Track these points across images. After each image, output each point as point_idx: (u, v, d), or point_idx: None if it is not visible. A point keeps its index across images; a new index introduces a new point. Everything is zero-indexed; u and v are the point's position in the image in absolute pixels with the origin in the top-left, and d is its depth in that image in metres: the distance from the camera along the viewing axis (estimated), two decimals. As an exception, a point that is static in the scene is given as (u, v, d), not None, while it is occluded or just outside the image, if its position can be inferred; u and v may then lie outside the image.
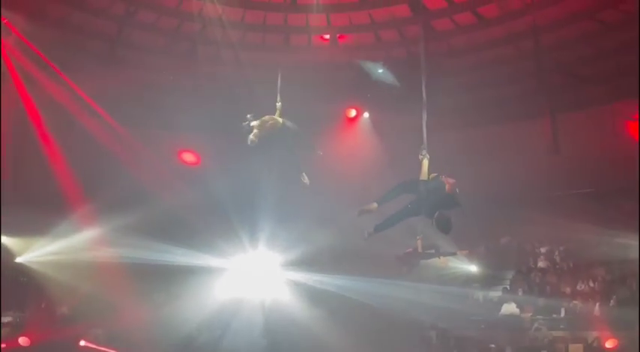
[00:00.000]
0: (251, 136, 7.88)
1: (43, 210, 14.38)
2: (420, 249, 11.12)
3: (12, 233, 15.65)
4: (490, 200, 17.36)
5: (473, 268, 18.44)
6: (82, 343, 15.38)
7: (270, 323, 16.83)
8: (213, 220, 15.53)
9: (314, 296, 16.58)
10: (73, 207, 15.37)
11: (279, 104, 8.88)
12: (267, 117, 8.43)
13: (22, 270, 15.71)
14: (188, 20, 16.43)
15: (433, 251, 11.91)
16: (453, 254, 13.07)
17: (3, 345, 14.88)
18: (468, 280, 18.58)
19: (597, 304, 16.17)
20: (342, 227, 16.28)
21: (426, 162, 6.85)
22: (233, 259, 17.28)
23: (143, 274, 15.32)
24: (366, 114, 18.38)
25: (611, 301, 16.17)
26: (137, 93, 17.03)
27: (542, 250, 18.88)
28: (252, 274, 17.84)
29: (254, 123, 8.23)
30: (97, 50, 17.07)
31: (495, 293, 18.72)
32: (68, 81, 15.37)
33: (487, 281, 18.91)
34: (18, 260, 15.79)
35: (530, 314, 17.30)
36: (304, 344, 15.96)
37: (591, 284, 16.95)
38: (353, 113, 18.04)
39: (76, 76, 15.39)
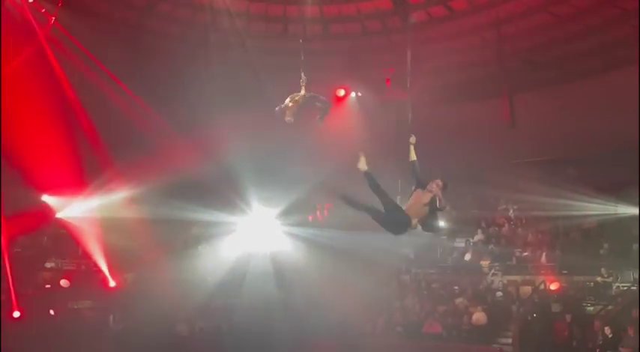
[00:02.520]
0: (287, 118, 7.39)
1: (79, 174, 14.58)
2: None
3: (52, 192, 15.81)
4: (456, 167, 17.63)
5: (441, 223, 18.82)
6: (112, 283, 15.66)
7: (278, 272, 17.23)
8: (227, 184, 15.64)
9: (309, 247, 16.90)
10: (104, 172, 15.50)
11: (303, 78, 8.01)
12: (293, 95, 7.79)
13: (62, 224, 15.89)
14: (200, 11, 16.40)
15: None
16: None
17: (47, 286, 15.28)
18: (436, 233, 18.96)
19: (544, 253, 16.69)
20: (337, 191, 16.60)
21: (412, 148, 6.60)
22: (244, 217, 17.53)
23: (167, 228, 15.46)
24: (353, 94, 18.49)
25: (556, 250, 16.68)
26: (157, 73, 17.00)
27: (500, 208, 19.30)
28: (260, 230, 18.20)
29: (285, 102, 7.64)
30: (122, 36, 17.00)
31: (460, 244, 19.22)
32: (97, 62, 15.33)
33: (453, 234, 19.38)
34: (58, 216, 16.00)
35: (488, 262, 17.81)
36: (303, 289, 16.44)
37: (539, 237, 17.42)
38: (342, 93, 18.11)
39: (104, 58, 15.37)
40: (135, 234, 15.13)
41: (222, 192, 15.79)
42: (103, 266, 15.51)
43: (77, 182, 14.69)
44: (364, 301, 16.27)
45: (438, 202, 6.13)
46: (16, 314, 13.19)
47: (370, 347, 14.75)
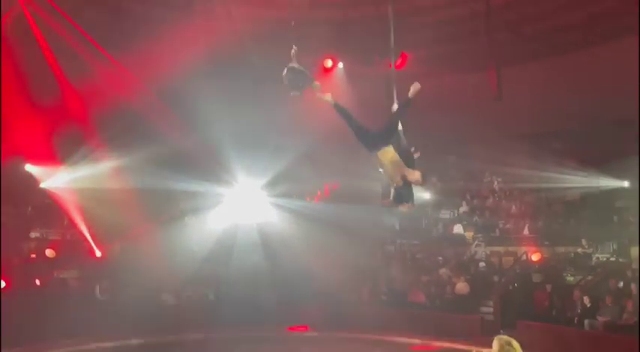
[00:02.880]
0: (293, 92, 6.65)
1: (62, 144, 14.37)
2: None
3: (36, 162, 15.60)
4: (443, 140, 17.66)
5: (426, 195, 18.97)
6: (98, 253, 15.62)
7: (265, 242, 17.29)
8: (211, 155, 15.51)
9: (294, 217, 16.96)
10: (88, 142, 15.27)
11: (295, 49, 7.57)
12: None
13: (47, 194, 15.72)
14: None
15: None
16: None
17: (33, 256, 15.19)
18: (422, 205, 19.15)
19: (527, 225, 16.92)
20: (321, 165, 16.59)
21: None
22: (231, 188, 17.48)
23: (153, 199, 15.35)
24: (340, 65, 18.29)
25: (539, 222, 16.92)
26: (141, 41, 16.62)
27: (485, 181, 19.46)
28: (246, 202, 18.17)
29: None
30: (105, 2, 16.51)
31: (444, 216, 19.40)
32: (79, 29, 14.91)
33: (438, 205, 19.54)
34: (42, 185, 15.82)
35: (472, 233, 18.05)
36: (290, 259, 16.55)
37: (523, 209, 17.64)
38: (329, 63, 17.90)
39: (86, 25, 14.96)
40: (121, 205, 14.98)
41: (207, 163, 15.64)
42: (89, 237, 15.40)
43: (55, 151, 14.39)
44: (350, 271, 16.47)
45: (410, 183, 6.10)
46: (2, 284, 13.10)
47: (355, 315, 14.96)
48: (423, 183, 6.22)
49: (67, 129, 14.70)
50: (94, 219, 15.34)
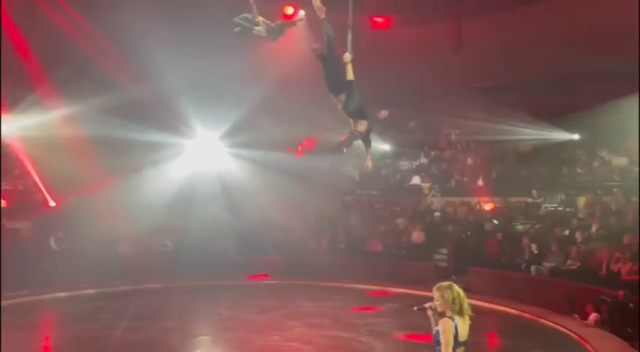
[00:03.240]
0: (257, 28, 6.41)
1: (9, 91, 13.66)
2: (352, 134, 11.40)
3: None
4: (401, 92, 17.64)
5: (386, 146, 19.13)
6: (52, 203, 15.24)
7: (226, 193, 17.15)
8: (168, 105, 15.03)
9: (254, 168, 16.85)
10: (37, 89, 14.56)
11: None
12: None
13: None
14: None
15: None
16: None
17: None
18: (381, 156, 19.32)
19: (481, 176, 17.32)
20: (279, 115, 16.37)
21: (348, 67, 6.31)
22: (189, 139, 17.12)
23: (109, 149, 14.92)
24: (301, 12, 17.83)
25: (492, 174, 17.34)
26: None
27: (442, 133, 19.70)
28: (206, 152, 17.89)
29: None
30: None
31: (403, 167, 19.67)
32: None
33: (396, 156, 19.75)
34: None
35: (428, 184, 18.39)
36: (250, 209, 16.55)
37: (478, 160, 18.01)
38: (290, 10, 17.41)
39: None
40: (75, 154, 14.52)
41: (163, 113, 15.18)
42: (42, 186, 14.95)
43: (1, 98, 13.65)
44: (310, 221, 16.64)
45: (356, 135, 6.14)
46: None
47: (315, 263, 15.22)
48: (367, 134, 6.25)
49: (14, 75, 13.95)
50: (46, 169, 14.82)
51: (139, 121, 14.84)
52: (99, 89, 13.97)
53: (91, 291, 13.14)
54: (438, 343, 4.46)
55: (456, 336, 4.39)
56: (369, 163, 6.45)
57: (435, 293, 4.48)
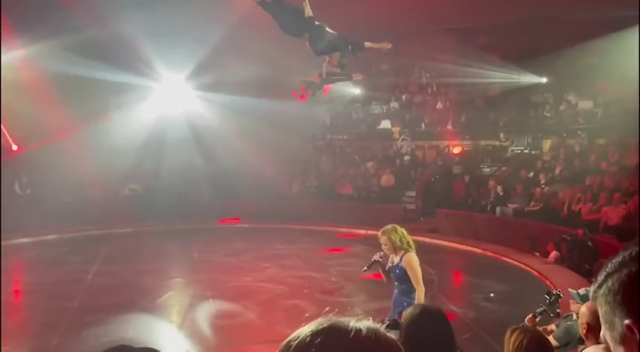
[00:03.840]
0: None
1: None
2: (324, 75, 11.18)
3: None
4: (371, 34, 17.27)
5: (356, 90, 18.93)
6: (15, 147, 14.76)
7: (196, 137, 16.81)
8: (133, 46, 14.34)
9: (225, 113, 16.52)
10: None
11: None
12: None
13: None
14: None
15: (333, 77, 12.14)
16: (350, 78, 13.10)
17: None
18: (352, 100, 19.18)
19: (450, 120, 17.41)
20: (248, 56, 15.88)
21: (306, 2, 5.92)
22: (153, 82, 16.55)
23: (72, 90, 14.27)
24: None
25: (461, 117, 17.44)
26: None
27: (413, 76, 19.56)
28: (173, 95, 17.38)
29: None
30: None
31: (373, 111, 19.59)
32: None
33: (367, 101, 19.62)
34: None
35: (399, 128, 18.42)
36: (221, 153, 16.34)
37: (447, 104, 18.04)
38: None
39: None
40: (38, 97, 13.92)
41: (125, 53, 14.49)
42: (3, 129, 14.40)
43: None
44: (281, 165, 16.58)
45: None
46: None
47: (286, 207, 15.30)
48: (340, 68, 6.09)
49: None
50: (7, 112, 14.20)
51: (102, 62, 14.20)
52: (59, 28, 13.23)
53: (60, 236, 12.93)
54: (399, 280, 4.58)
55: None
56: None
57: (382, 238, 4.61)
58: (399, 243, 4.59)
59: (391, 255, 4.72)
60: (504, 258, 10.96)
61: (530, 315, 4.47)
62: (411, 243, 4.69)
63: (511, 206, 12.84)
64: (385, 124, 18.76)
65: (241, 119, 16.16)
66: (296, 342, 0.83)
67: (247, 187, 16.20)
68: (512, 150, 16.02)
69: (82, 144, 14.93)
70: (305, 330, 0.85)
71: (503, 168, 15.21)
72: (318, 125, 19.14)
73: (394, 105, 19.22)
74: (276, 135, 16.45)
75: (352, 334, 0.83)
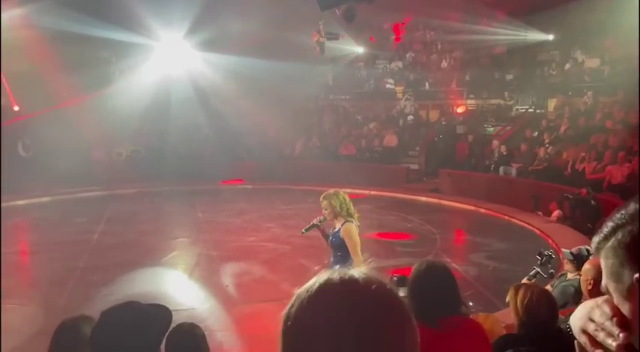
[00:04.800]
0: None
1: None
2: (322, 34, 11.03)
3: None
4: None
5: (359, 49, 18.66)
6: (16, 108, 14.66)
7: (200, 98, 16.66)
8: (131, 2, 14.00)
9: (227, 74, 16.32)
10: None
11: None
12: None
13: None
14: None
15: (333, 34, 11.97)
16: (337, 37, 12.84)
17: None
18: (355, 59, 18.91)
19: (455, 79, 17.19)
20: (251, 13, 15.56)
21: None
22: (156, 39, 16.29)
23: (72, 48, 14.02)
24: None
25: (466, 76, 17.20)
26: None
27: (417, 34, 19.23)
28: (175, 55, 17.12)
29: None
30: None
31: (377, 71, 19.33)
32: None
33: (370, 60, 19.35)
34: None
35: (402, 88, 18.23)
36: (225, 114, 16.24)
37: (452, 63, 17.79)
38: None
39: None
40: (38, 57, 13.73)
41: (120, 11, 14.12)
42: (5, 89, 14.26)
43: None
44: (283, 126, 16.48)
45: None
46: None
47: (289, 167, 15.30)
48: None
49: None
50: (8, 73, 14.06)
51: (99, 19, 13.92)
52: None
53: (63, 197, 13.00)
54: (336, 248, 4.57)
55: None
56: None
57: (323, 203, 4.56)
58: (338, 209, 4.50)
59: (333, 222, 4.67)
60: (506, 217, 11.01)
61: (524, 279, 4.48)
62: (352, 211, 4.56)
63: (515, 165, 12.80)
64: (388, 84, 18.55)
65: (243, 80, 16.00)
66: (307, 295, 0.83)
67: (250, 148, 16.18)
68: (517, 109, 15.87)
69: (85, 106, 14.84)
70: (315, 283, 0.85)
71: (508, 128, 15.11)
72: (320, 85, 18.93)
73: (398, 64, 18.96)
74: (279, 95, 16.33)
75: (361, 286, 0.83)
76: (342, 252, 4.54)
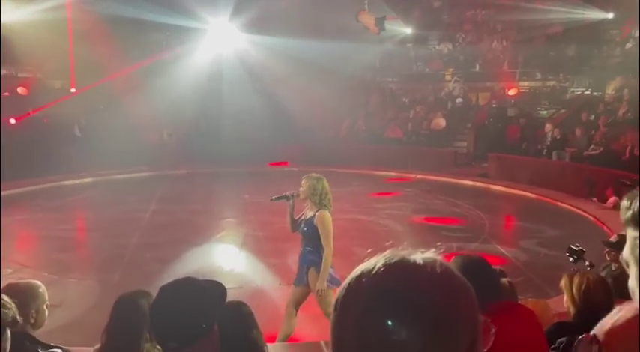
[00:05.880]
0: None
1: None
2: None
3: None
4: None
5: (408, 30, 18.35)
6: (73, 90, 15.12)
7: (245, 81, 16.83)
8: None
9: (273, 56, 16.37)
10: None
11: None
12: None
13: (8, 29, 14.61)
14: None
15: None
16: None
17: (6, 94, 14.69)
18: (403, 40, 18.61)
19: (507, 60, 16.70)
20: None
21: None
22: (207, 22, 16.51)
23: (126, 31, 14.37)
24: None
25: (519, 57, 16.69)
26: None
27: (468, 14, 18.73)
28: (221, 37, 17.30)
29: None
30: None
31: (425, 52, 18.97)
32: None
33: (419, 41, 18.99)
34: (2, 20, 14.70)
35: (451, 69, 17.85)
36: (271, 97, 16.36)
37: (504, 43, 17.27)
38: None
39: None
40: (94, 39, 14.13)
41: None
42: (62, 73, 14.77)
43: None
44: (329, 108, 16.46)
45: None
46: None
47: (335, 150, 15.31)
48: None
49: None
50: (65, 55, 14.54)
51: (152, 2, 14.21)
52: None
53: (116, 177, 13.46)
54: (308, 237, 4.43)
55: None
56: None
57: (303, 182, 4.45)
58: (318, 196, 4.37)
59: (305, 209, 4.55)
60: (559, 203, 10.71)
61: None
62: (330, 202, 4.44)
63: (568, 150, 12.40)
64: (437, 65, 18.20)
65: (289, 61, 16.02)
66: (369, 276, 0.81)
67: (296, 130, 16.25)
68: (573, 91, 15.30)
69: (137, 88, 15.23)
70: (375, 264, 0.82)
71: (562, 111, 14.60)
72: (367, 66, 18.73)
73: (447, 45, 18.55)
74: (325, 77, 16.25)
75: (427, 269, 0.81)
76: (313, 241, 4.39)
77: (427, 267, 0.81)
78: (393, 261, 0.82)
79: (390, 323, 0.76)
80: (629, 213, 0.87)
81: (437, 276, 0.81)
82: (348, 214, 10.42)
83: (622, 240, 3.74)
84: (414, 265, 0.82)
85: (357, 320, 0.79)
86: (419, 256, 0.83)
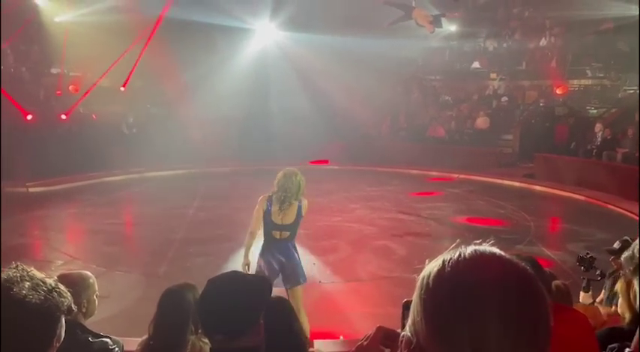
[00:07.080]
0: None
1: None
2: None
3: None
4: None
5: (452, 27, 18.07)
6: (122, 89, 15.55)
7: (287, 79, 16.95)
8: None
9: (313, 53, 16.40)
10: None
11: None
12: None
13: (62, 29, 15.12)
14: None
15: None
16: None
17: (58, 92, 15.23)
18: (446, 38, 18.33)
19: (555, 57, 16.24)
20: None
21: None
22: (250, 23, 16.73)
23: (174, 30, 14.67)
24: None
25: (567, 54, 16.19)
26: None
27: (515, 11, 18.30)
28: (266, 35, 17.47)
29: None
30: None
31: (470, 49, 18.61)
32: None
33: (463, 38, 18.65)
34: (56, 20, 15.32)
35: (496, 67, 17.47)
36: (312, 95, 16.43)
37: (552, 40, 16.80)
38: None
39: None
40: (142, 39, 14.45)
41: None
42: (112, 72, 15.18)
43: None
44: (370, 106, 16.39)
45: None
46: (29, 117, 13.26)
47: (376, 149, 15.24)
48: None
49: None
50: (113, 55, 14.93)
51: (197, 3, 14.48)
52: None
53: (162, 173, 13.76)
54: (293, 230, 4.76)
55: (269, 217, 4.68)
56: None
57: (279, 174, 4.56)
58: (294, 190, 4.55)
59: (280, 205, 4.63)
60: (609, 206, 10.35)
61: (582, 294, 4.07)
62: (301, 193, 4.67)
63: (620, 150, 11.97)
64: (481, 63, 17.86)
65: (330, 59, 16.03)
66: (451, 265, 0.82)
67: (336, 129, 16.24)
68: (625, 89, 14.74)
69: (185, 88, 15.53)
70: (464, 252, 0.83)
71: (613, 110, 14.10)
72: (409, 64, 18.56)
73: (492, 42, 18.16)
74: (366, 75, 16.17)
75: (509, 264, 0.82)
76: (294, 234, 4.78)
77: (508, 263, 0.83)
78: (473, 254, 0.83)
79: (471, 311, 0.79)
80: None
81: (522, 269, 0.82)
82: (388, 213, 10.37)
83: (625, 246, 3.54)
84: (494, 259, 0.83)
85: (439, 303, 0.81)
86: (497, 251, 0.85)
